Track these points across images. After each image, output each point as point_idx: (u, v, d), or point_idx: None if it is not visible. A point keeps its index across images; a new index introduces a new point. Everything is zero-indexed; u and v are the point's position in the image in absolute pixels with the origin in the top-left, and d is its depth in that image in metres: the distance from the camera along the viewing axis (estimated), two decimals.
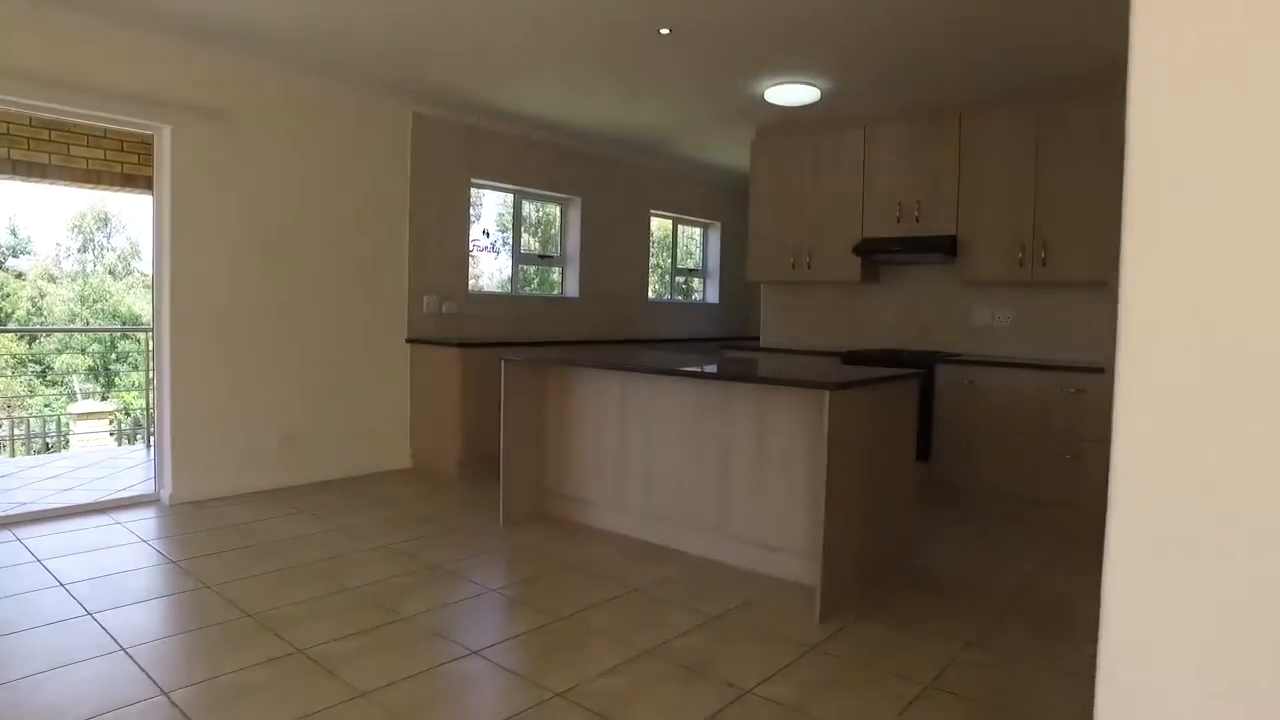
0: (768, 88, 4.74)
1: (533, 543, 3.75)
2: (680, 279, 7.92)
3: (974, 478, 4.48)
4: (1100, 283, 4.49)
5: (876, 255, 5.03)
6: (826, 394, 2.84)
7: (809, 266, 5.40)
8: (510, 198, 6.15)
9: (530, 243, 6.41)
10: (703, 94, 4.93)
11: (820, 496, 3.13)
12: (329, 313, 4.89)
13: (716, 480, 3.49)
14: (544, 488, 4.20)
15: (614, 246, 6.87)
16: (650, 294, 7.45)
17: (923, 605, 3.07)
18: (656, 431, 3.69)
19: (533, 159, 6.08)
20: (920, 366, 4.61)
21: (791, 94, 4.76)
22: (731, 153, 6.78)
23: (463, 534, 3.86)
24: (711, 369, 3.47)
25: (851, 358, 4.87)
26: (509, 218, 6.18)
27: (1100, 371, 4.10)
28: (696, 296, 8.16)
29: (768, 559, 3.37)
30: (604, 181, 6.71)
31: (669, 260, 7.74)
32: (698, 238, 8.13)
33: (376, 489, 4.76)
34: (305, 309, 4.76)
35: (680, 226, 7.82)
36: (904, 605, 3.07)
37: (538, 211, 6.48)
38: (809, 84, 4.65)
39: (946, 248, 4.67)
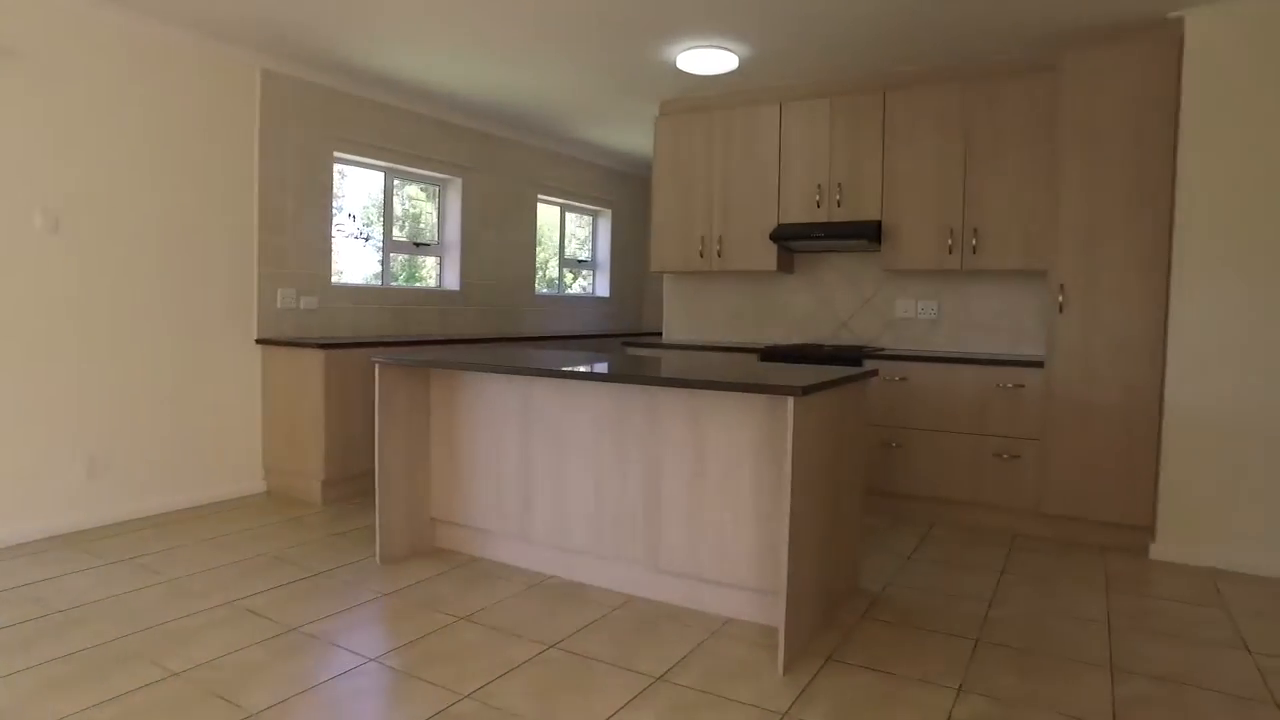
0: (680, 53, 4.22)
1: (420, 587, 3.07)
2: (569, 271, 7.32)
3: (908, 482, 4.15)
4: (1034, 271, 4.26)
5: (794, 242, 4.63)
6: (791, 400, 2.35)
7: (719, 255, 4.94)
8: (381, 176, 5.36)
9: (400, 232, 5.63)
10: (608, 57, 4.36)
11: (776, 520, 2.65)
12: (153, 308, 3.99)
13: (644, 504, 2.94)
14: (430, 515, 3.52)
15: (498, 234, 6.19)
16: (539, 287, 6.81)
17: (890, 641, 2.64)
18: (569, 446, 3.10)
19: (407, 132, 5.31)
20: (846, 362, 4.24)
21: (707, 60, 4.27)
22: (628, 133, 6.24)
23: (331, 580, 3.13)
24: (639, 372, 2.92)
25: (770, 354, 4.45)
26: (380, 201, 5.39)
27: (1040, 365, 3.85)
28: (583, 287, 7.58)
29: (708, 595, 2.85)
30: (488, 162, 6.02)
31: (558, 250, 7.12)
32: (588, 226, 7.56)
33: (219, 523, 3.91)
34: (121, 303, 3.85)
35: (569, 214, 7.22)
36: (870, 642, 2.62)
37: (406, 203, 5.72)
38: (726, 49, 4.17)
39: (871, 234, 4.32)
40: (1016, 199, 4.09)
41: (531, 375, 2.95)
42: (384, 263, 5.42)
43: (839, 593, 2.89)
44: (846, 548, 2.95)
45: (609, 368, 3.00)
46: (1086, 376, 3.73)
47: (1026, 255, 4.07)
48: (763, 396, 2.65)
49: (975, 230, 4.18)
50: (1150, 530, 3.67)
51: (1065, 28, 3.76)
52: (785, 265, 4.90)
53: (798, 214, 4.68)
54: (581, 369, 2.87)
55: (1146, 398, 3.63)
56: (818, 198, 4.60)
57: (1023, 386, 3.87)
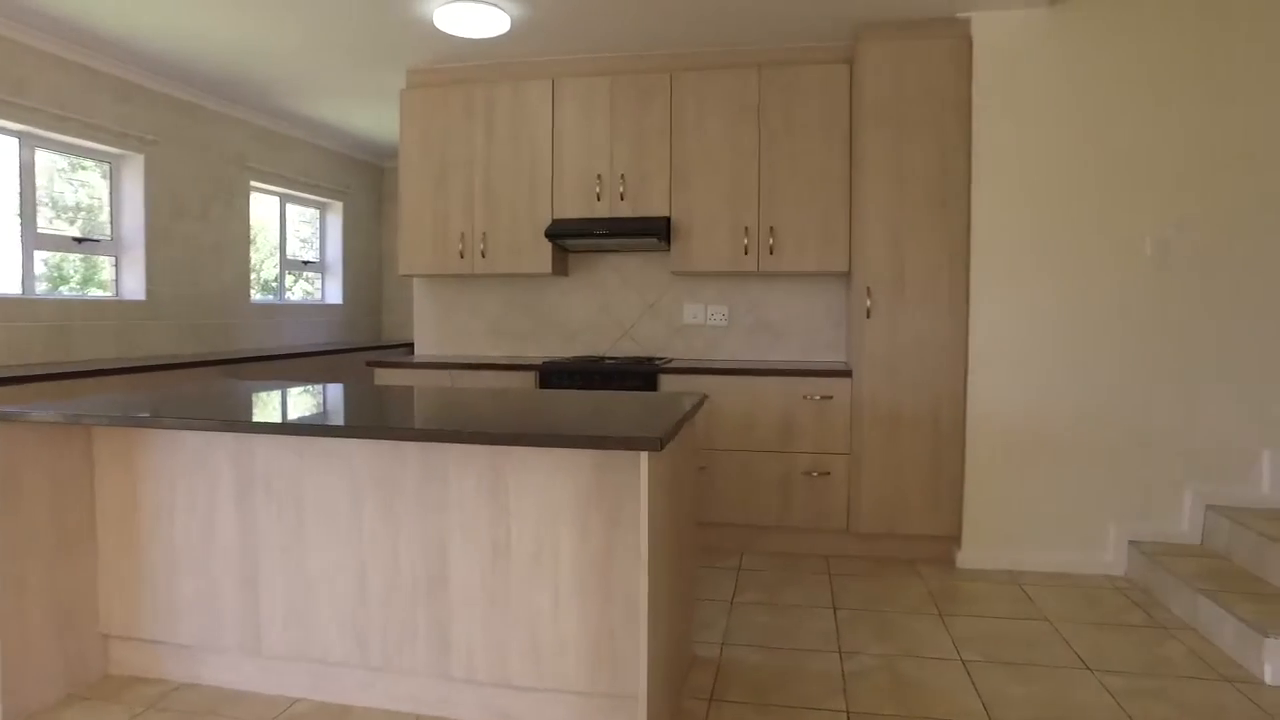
0: (439, 7, 3.44)
1: None
2: (291, 274, 6.13)
3: (715, 508, 3.74)
4: (828, 273, 4.05)
5: (572, 241, 4.04)
6: (644, 456, 1.74)
7: (483, 256, 4.21)
8: (15, 144, 3.93)
9: (55, 220, 4.21)
10: (340, 6, 3.45)
11: (611, 600, 2.02)
12: None
13: (426, 591, 2.17)
14: (100, 632, 2.44)
15: (200, 229, 4.92)
16: (255, 294, 5.58)
17: None
18: (314, 521, 2.23)
19: (53, 84, 3.94)
20: (633, 377, 3.74)
21: (473, 19, 3.52)
22: (366, 110, 5.26)
23: None
24: (412, 419, 2.14)
25: (549, 369, 3.83)
26: (16, 177, 3.95)
27: (848, 375, 3.61)
28: (308, 292, 6.42)
29: (522, 708, 2.16)
30: (180, 136, 4.73)
31: (278, 249, 5.91)
32: (314, 221, 6.39)
33: None
34: None
35: (290, 205, 6.03)
36: None
37: (76, 188, 4.30)
38: (496, 5, 3.46)
39: (659, 232, 3.85)
40: (816, 197, 3.83)
41: (254, 434, 2.05)
42: (26, 264, 3.99)
43: (682, 670, 2.34)
44: (687, 615, 2.42)
45: (363, 406, 2.20)
46: (894, 384, 3.55)
47: (826, 256, 3.84)
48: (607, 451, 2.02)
49: (772, 229, 3.87)
50: (957, 539, 3.58)
51: (861, 17, 3.54)
52: (560, 267, 4.29)
53: (575, 208, 4.09)
54: (331, 420, 2.04)
55: (953, 404, 3.52)
56: (598, 190, 4.05)
57: (830, 398, 3.62)
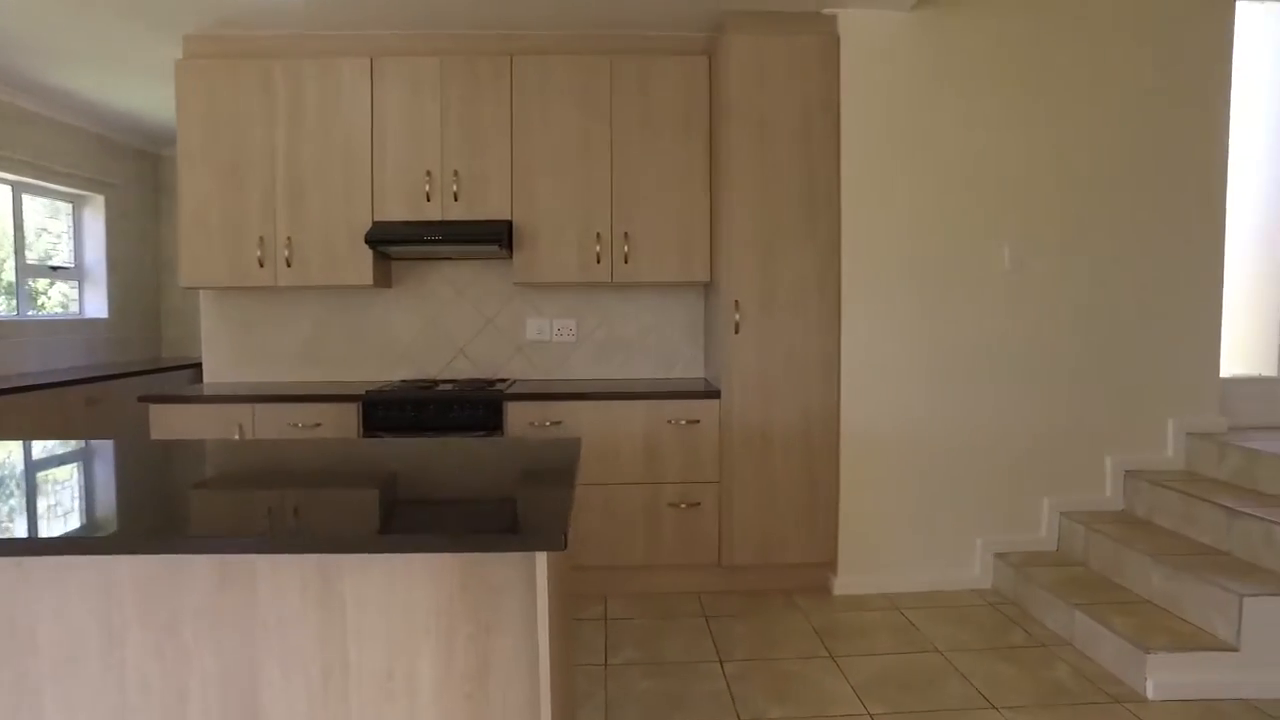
0: None
1: None
2: (36, 282, 5.01)
3: (575, 550, 3.32)
4: (691, 285, 3.75)
5: (398, 247, 3.47)
6: (542, 558, 1.30)
7: (288, 265, 3.54)
8: None
9: None
10: None
11: None
12: None
13: None
14: None
15: None
16: None
17: None
18: (42, 677, 1.58)
19: None
20: (480, 406, 3.25)
21: None
22: (132, 84, 4.35)
23: None
24: (200, 522, 1.56)
25: (374, 401, 3.26)
26: None
27: (715, 396, 3.32)
28: (63, 304, 5.32)
29: None
30: None
31: (14, 252, 4.79)
32: (66, 219, 5.28)
33: None
34: None
35: (30, 199, 4.92)
36: None
37: None
38: None
39: (499, 238, 3.38)
40: (675, 201, 3.51)
41: None
42: None
43: None
44: (573, 715, 1.99)
45: (123, 487, 1.59)
46: (766, 404, 3.30)
47: (686, 265, 3.53)
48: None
49: (627, 235, 3.51)
50: (833, 565, 3.39)
51: (723, 6, 3.25)
52: (383, 278, 3.70)
53: (401, 210, 3.52)
54: (64, 519, 1.42)
55: (827, 423, 3.33)
56: (427, 188, 3.50)
57: (698, 422, 3.31)
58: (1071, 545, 3.36)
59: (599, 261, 3.50)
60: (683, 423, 3.30)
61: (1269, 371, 3.74)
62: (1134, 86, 3.37)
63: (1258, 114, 3.82)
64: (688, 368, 3.87)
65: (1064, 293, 3.39)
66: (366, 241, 3.39)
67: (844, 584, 3.34)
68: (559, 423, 3.28)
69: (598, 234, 3.49)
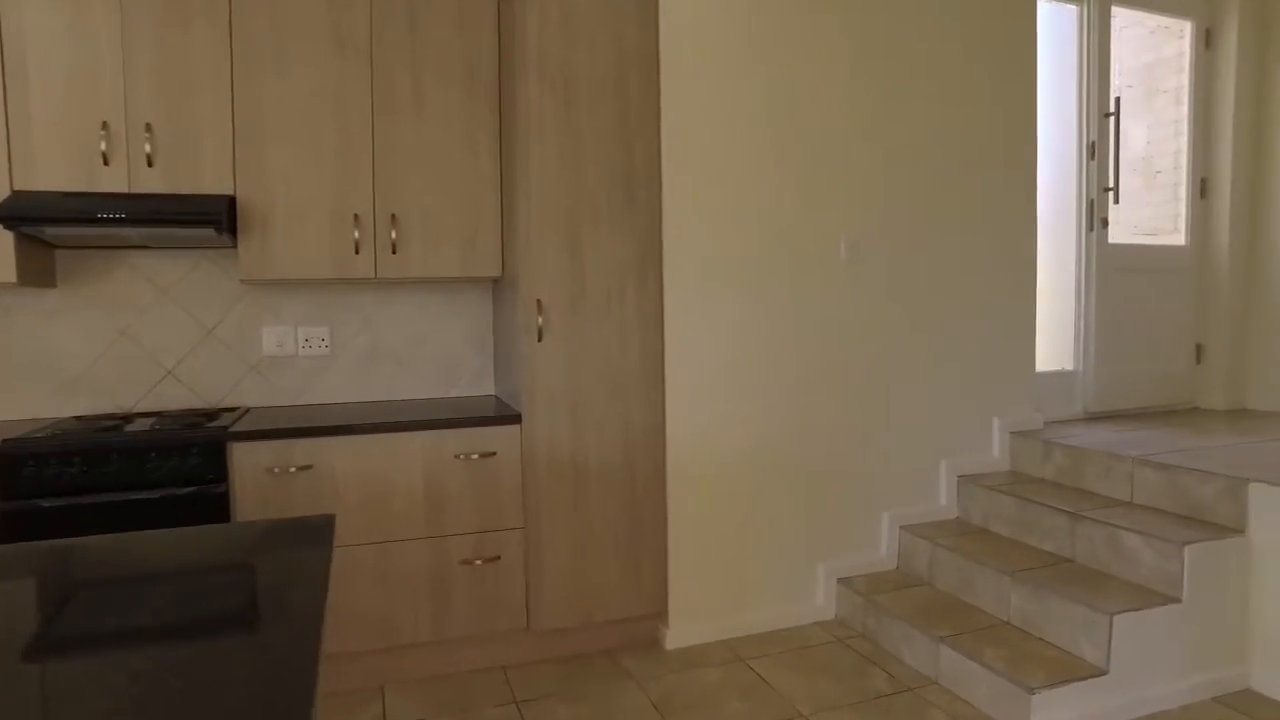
0: None
1: None
2: None
3: (332, 636, 2.48)
4: (478, 282, 3.04)
5: (56, 230, 2.44)
6: None
7: None
8: None
9: None
10: None
11: None
12: None
13: None
14: None
15: None
16: None
17: None
18: None
19: None
20: (189, 451, 2.35)
21: None
22: None
23: None
24: None
25: (13, 453, 2.23)
26: None
27: (515, 420, 2.64)
28: None
29: None
30: None
31: None
32: None
33: None
34: None
35: None
36: None
37: None
38: None
39: (217, 218, 2.47)
40: (458, 175, 2.79)
41: None
42: None
43: None
44: None
45: None
46: (578, 427, 2.68)
47: (472, 258, 2.82)
48: None
49: (395, 218, 2.73)
50: (663, 615, 2.84)
51: None
52: (38, 273, 2.63)
53: (62, 176, 2.49)
54: None
55: (652, 446, 2.77)
56: (104, 147, 2.50)
57: (493, 454, 2.62)
58: (914, 563, 3.08)
59: (358, 252, 2.69)
60: (474, 456, 2.59)
61: (1067, 365, 3.75)
62: (951, 76, 3.17)
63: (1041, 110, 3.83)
64: (474, 383, 3.16)
65: (896, 288, 3.11)
66: (1, 220, 2.33)
67: (677, 635, 2.81)
68: (308, 467, 2.43)
69: (355, 216, 2.69)
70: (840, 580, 3.03)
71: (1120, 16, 3.78)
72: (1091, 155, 3.62)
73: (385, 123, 2.70)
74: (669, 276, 2.75)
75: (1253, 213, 3.97)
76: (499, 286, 2.99)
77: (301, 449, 2.42)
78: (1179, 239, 3.99)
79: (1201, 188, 3.99)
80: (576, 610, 2.71)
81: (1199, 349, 4.03)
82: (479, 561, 2.60)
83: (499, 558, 2.63)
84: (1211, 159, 3.98)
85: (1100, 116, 3.62)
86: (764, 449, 2.92)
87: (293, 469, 2.41)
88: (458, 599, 2.60)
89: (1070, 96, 3.67)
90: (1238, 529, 2.54)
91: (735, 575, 2.90)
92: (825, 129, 2.95)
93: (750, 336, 2.87)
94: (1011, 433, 3.35)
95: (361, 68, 2.67)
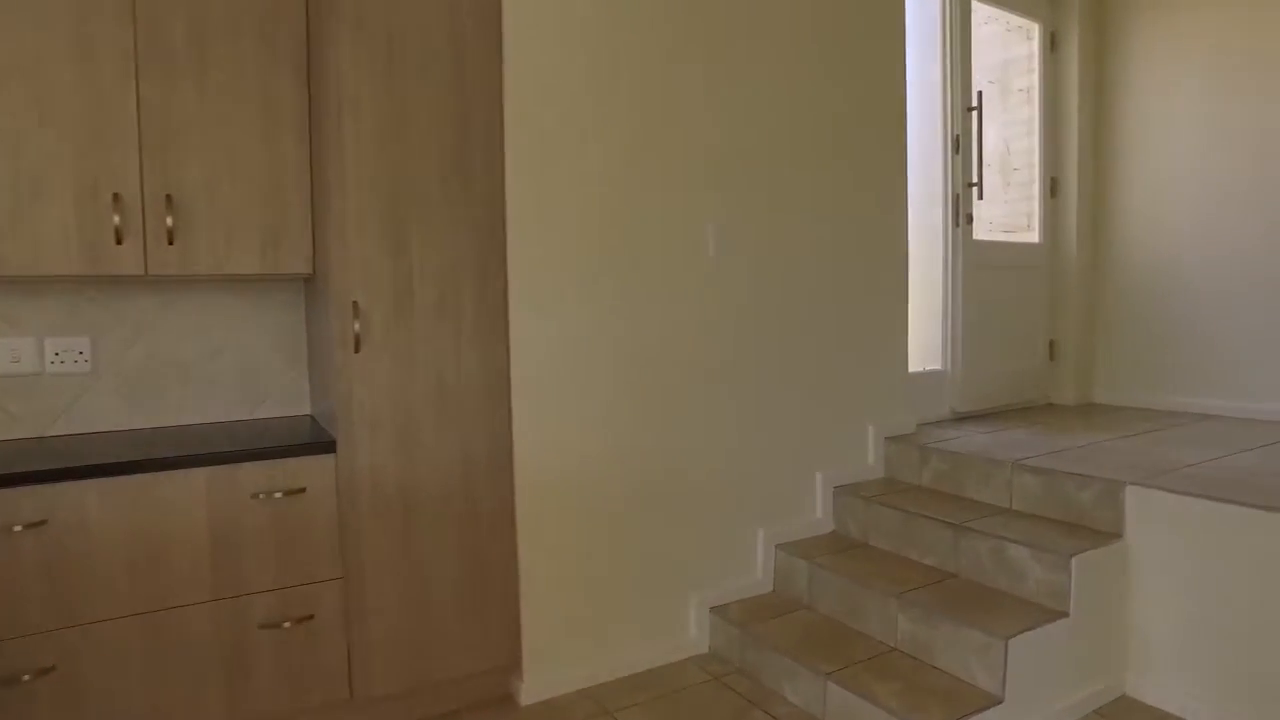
0: None
1: None
2: None
3: None
4: (285, 279, 2.52)
5: None
6: None
7: None
8: None
9: None
10: None
11: None
12: None
13: None
14: None
15: None
16: None
17: None
18: None
19: None
20: None
21: None
22: None
23: None
24: None
25: None
26: None
27: (330, 449, 2.16)
28: None
29: None
30: None
31: None
32: None
33: None
34: None
35: None
36: None
37: None
38: None
39: None
40: (254, 148, 2.27)
41: None
42: None
43: None
44: None
45: None
46: (408, 452, 2.24)
47: (275, 250, 2.31)
48: None
49: (172, 201, 2.18)
50: (516, 666, 2.44)
51: None
52: None
53: None
54: None
55: (497, 470, 2.36)
56: None
57: (302, 490, 2.13)
58: (792, 584, 2.84)
59: (120, 242, 2.13)
60: (277, 495, 2.10)
61: (935, 365, 3.65)
62: (822, 65, 2.96)
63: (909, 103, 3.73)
64: (287, 402, 2.64)
65: (767, 288, 2.86)
66: None
67: (534, 688, 2.42)
68: (40, 524, 1.86)
69: (116, 196, 2.12)
70: (714, 609, 2.75)
71: (980, 12, 3.73)
72: (956, 149, 3.53)
73: (154, 82, 2.15)
74: (514, 275, 2.36)
75: (1097, 211, 4.04)
76: (313, 285, 2.50)
77: (30, 500, 1.85)
78: (1033, 237, 4.01)
79: (1052, 187, 4.03)
80: (412, 670, 2.26)
81: (1052, 345, 4.07)
82: (287, 623, 2.11)
83: (312, 617, 2.15)
84: (1060, 159, 4.02)
85: (964, 111, 3.54)
86: (627, 469, 2.58)
87: (17, 528, 1.83)
88: (260, 671, 2.09)
89: (935, 90, 3.58)
90: (1115, 533, 2.45)
91: (599, 613, 2.55)
92: (692, 113, 2.66)
93: (610, 343, 2.53)
94: (887, 438, 3.18)
95: (116, 7, 2.11)
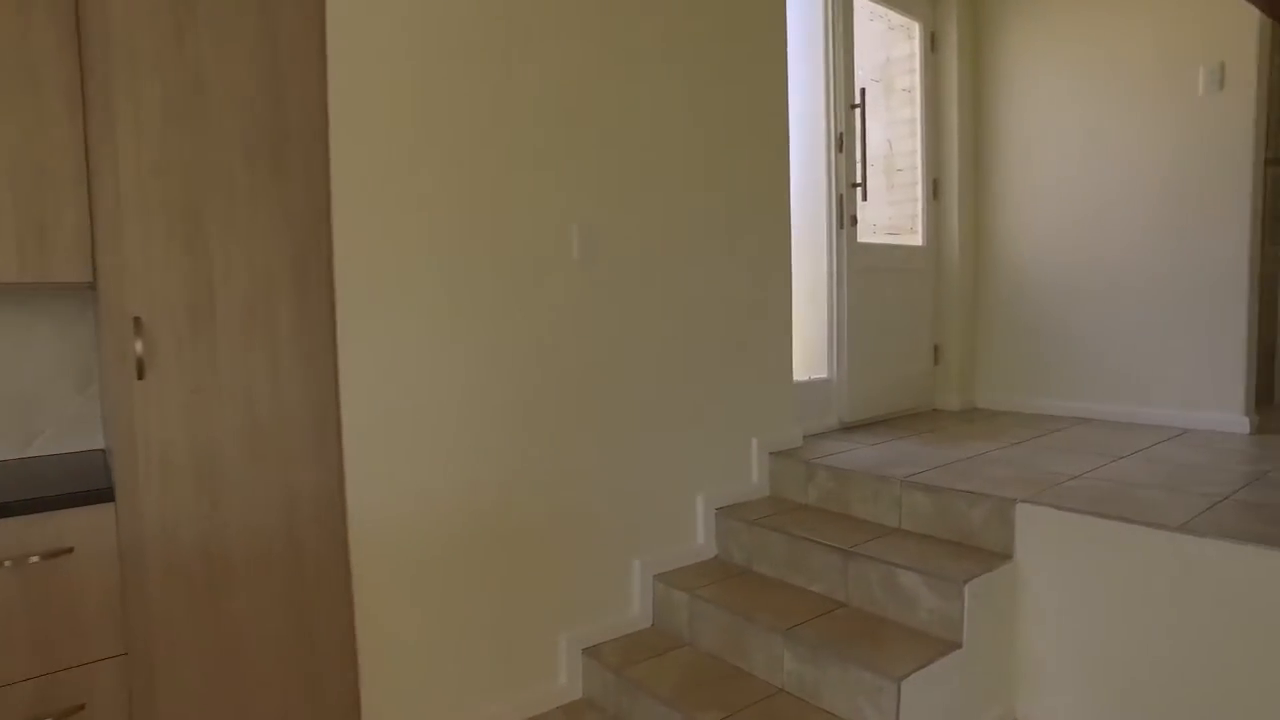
0: None
1: None
2: None
3: None
4: (51, 287, 2.06)
5: None
6: None
7: None
8: None
9: None
10: None
11: None
12: None
13: None
14: None
15: None
16: None
17: None
18: None
19: None
20: None
21: None
22: None
23: None
24: None
25: None
26: None
27: (106, 498, 1.75)
28: None
29: None
30: None
31: None
32: None
33: None
34: None
35: None
36: None
37: None
38: None
39: None
40: (8, 127, 1.83)
41: None
42: None
43: None
44: None
45: None
46: (212, 501, 1.85)
47: (39, 253, 1.87)
48: None
49: None
50: None
51: None
52: None
53: None
54: None
55: (325, 516, 2.00)
56: None
57: (69, 551, 1.72)
58: (672, 619, 2.60)
59: None
60: (33, 559, 1.68)
61: (821, 373, 3.51)
62: (701, 58, 2.74)
63: (793, 99, 3.57)
64: (69, 436, 2.19)
65: (640, 296, 2.61)
66: None
67: None
68: None
69: None
70: (587, 651, 2.48)
71: (864, 9, 3.61)
72: (840, 147, 3.39)
73: None
74: (342, 281, 2.01)
75: (978, 214, 4.01)
76: (95, 295, 2.06)
77: None
78: (917, 239, 3.93)
79: (934, 188, 3.97)
80: None
81: (936, 350, 4.01)
82: (48, 719, 1.70)
83: (83, 707, 1.74)
84: (942, 160, 3.97)
85: (848, 108, 3.40)
86: (483, 503, 2.28)
87: None
88: None
89: (819, 86, 3.43)
90: (1006, 554, 2.33)
91: (455, 666, 2.23)
92: (560, 103, 2.37)
93: (461, 360, 2.22)
94: (772, 454, 3.00)
95: None
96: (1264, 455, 2.85)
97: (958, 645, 2.13)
